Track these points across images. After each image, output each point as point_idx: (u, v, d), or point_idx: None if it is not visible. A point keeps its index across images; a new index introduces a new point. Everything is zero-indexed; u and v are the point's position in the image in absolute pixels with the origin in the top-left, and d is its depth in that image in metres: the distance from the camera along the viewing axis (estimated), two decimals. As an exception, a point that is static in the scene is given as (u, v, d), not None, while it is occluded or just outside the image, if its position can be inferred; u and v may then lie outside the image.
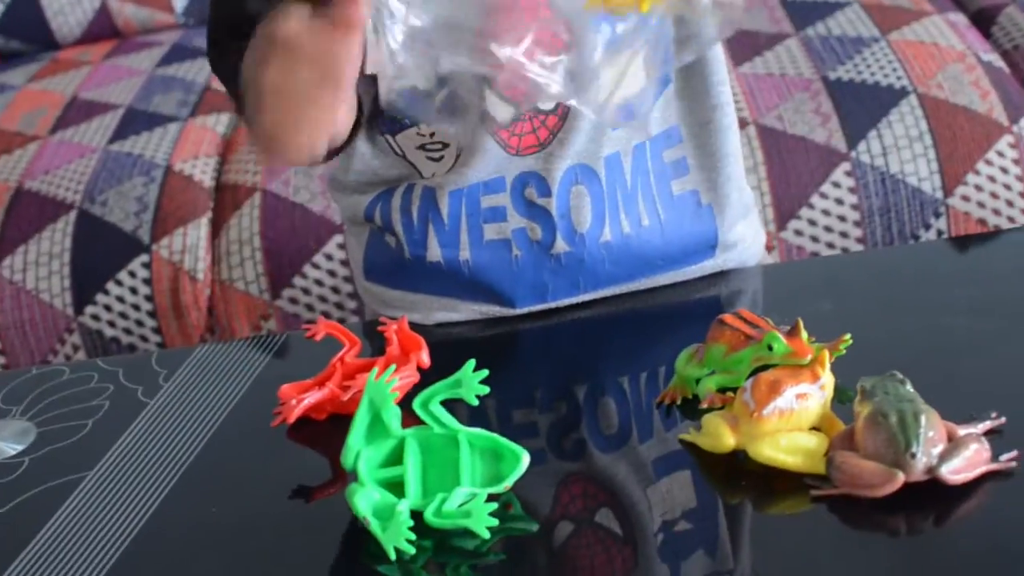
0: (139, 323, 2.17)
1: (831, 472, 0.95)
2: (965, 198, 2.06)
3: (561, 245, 1.30)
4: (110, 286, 2.17)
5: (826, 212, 2.07)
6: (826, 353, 1.03)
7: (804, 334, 1.04)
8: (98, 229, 2.22)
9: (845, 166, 2.08)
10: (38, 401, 1.29)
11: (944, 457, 0.93)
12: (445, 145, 1.29)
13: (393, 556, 0.96)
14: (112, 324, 2.17)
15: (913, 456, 0.93)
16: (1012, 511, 0.93)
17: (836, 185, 2.07)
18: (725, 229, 1.36)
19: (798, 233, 2.07)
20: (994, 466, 0.95)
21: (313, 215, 2.16)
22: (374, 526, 0.97)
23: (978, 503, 0.93)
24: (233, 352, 1.32)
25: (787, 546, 0.95)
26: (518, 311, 1.32)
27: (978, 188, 2.06)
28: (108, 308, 2.17)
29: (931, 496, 0.93)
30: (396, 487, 1.01)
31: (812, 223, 2.07)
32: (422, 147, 1.31)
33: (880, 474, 0.93)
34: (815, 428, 1.01)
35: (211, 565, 1.03)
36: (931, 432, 0.94)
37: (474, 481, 1.01)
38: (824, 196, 2.07)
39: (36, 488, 1.15)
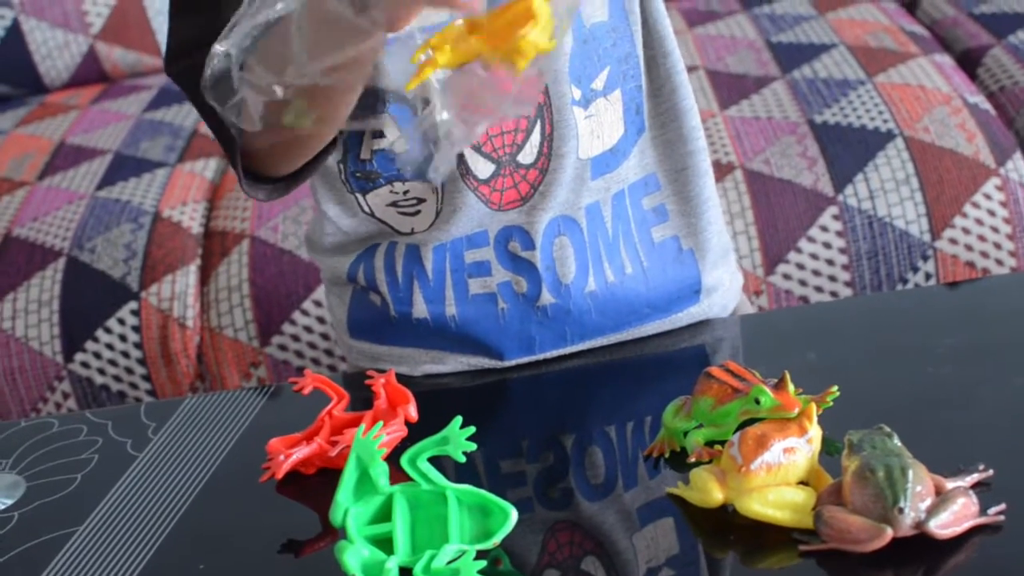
0: (129, 370, 2.17)
1: (819, 527, 0.95)
2: (953, 241, 2.07)
3: (547, 297, 1.30)
4: (99, 333, 2.17)
5: (814, 256, 2.07)
6: (813, 406, 1.03)
7: (791, 387, 1.04)
8: (87, 276, 2.22)
9: (832, 210, 2.08)
10: (27, 454, 1.29)
11: (932, 512, 0.93)
12: (420, 200, 1.29)
13: (382, 614, 0.96)
14: (102, 371, 2.17)
15: (901, 511, 0.93)
16: (1001, 565, 0.93)
17: (824, 229, 2.07)
18: (707, 273, 1.36)
19: (786, 277, 2.07)
20: (982, 520, 0.95)
21: (302, 261, 2.16)
22: (363, 583, 0.97)
23: (967, 557, 0.93)
24: (221, 404, 1.32)
25: (776, 602, 0.95)
26: (506, 363, 1.33)
27: (965, 231, 2.07)
28: (98, 355, 2.17)
29: (920, 551, 0.93)
30: (385, 544, 1.01)
31: (800, 267, 2.07)
32: (394, 204, 1.30)
33: (868, 529, 0.93)
34: (803, 482, 1.01)
35: (200, 622, 1.03)
36: (919, 487, 0.94)
37: (463, 537, 1.01)
38: (812, 240, 2.07)
39: (26, 544, 1.14)
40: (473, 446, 1.01)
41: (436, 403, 1.25)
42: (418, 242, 1.31)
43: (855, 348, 1.25)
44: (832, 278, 2.07)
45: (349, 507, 1.02)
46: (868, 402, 1.13)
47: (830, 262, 2.07)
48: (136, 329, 2.16)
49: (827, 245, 2.07)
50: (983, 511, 0.95)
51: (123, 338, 2.16)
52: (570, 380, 1.29)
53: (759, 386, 1.05)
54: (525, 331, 1.31)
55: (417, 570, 0.98)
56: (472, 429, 1.01)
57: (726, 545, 1.00)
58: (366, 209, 1.31)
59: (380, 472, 1.02)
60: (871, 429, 0.99)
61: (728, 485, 1.00)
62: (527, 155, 1.26)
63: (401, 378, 1.24)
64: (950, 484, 0.97)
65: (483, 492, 1.02)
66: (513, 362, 1.32)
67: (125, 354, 2.16)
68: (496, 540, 1.00)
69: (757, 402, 1.04)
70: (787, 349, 1.27)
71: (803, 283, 2.08)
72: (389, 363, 1.36)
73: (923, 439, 1.01)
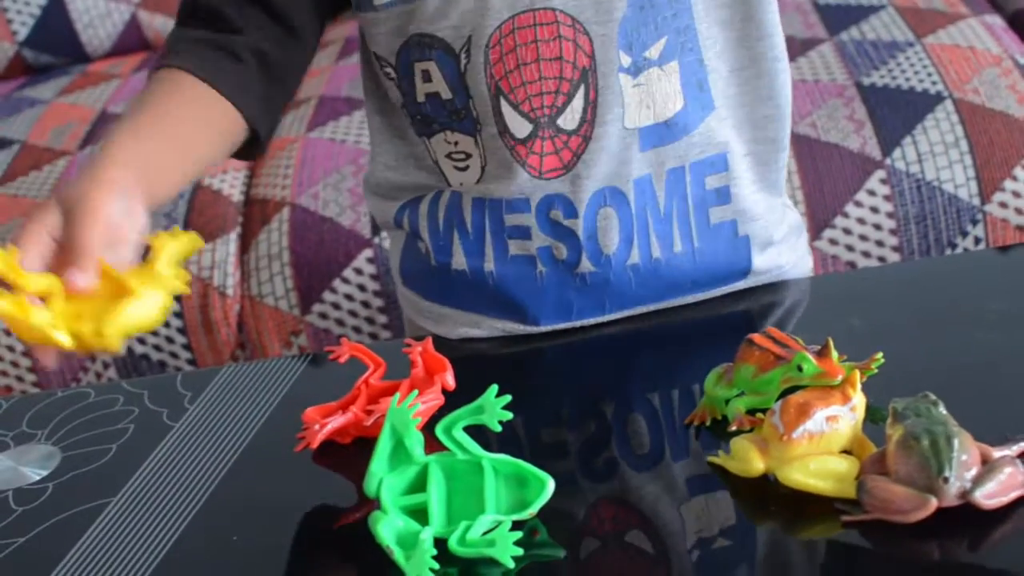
0: (169, 340, 2.16)
1: (862, 497, 0.93)
2: (1003, 204, 2.04)
3: (586, 265, 1.28)
4: (140, 303, 2.16)
5: (861, 221, 2.05)
6: (857, 373, 1.01)
7: (834, 353, 1.03)
8: (128, 245, 2.21)
9: (880, 173, 2.05)
10: (63, 425, 1.28)
11: (978, 481, 0.91)
12: (468, 155, 1.28)
13: (417, 586, 0.95)
14: (142, 341, 2.17)
15: (946, 481, 0.91)
16: (1049, 536, 0.91)
17: (871, 193, 2.05)
18: (759, 257, 1.33)
19: (833, 242, 2.05)
20: (1030, 489, 0.93)
21: (342, 229, 2.15)
22: (398, 555, 0.96)
23: (1014, 528, 0.91)
24: (258, 373, 1.31)
25: (817, 574, 0.93)
26: (541, 328, 1.31)
27: (1016, 194, 2.04)
28: (138, 325, 2.16)
29: (965, 521, 0.91)
30: (420, 514, 1.00)
31: (847, 232, 2.05)
32: (449, 155, 1.30)
33: (912, 499, 0.91)
34: (846, 451, 0.99)
35: (234, 594, 1.02)
36: (964, 455, 0.92)
37: (499, 508, 0.99)
38: (859, 204, 2.05)
39: (59, 515, 1.14)
40: (509, 415, 1.00)
41: (474, 371, 1.24)
42: (461, 192, 1.30)
43: (902, 314, 1.23)
44: (880, 243, 2.05)
45: (383, 477, 1.01)
46: (914, 369, 1.11)
47: (877, 227, 2.05)
48: (176, 298, 2.15)
49: (875, 210, 2.05)
50: (1031, 481, 0.93)
51: (164, 307, 2.16)
52: (608, 347, 1.28)
53: (802, 353, 1.03)
54: (562, 296, 1.29)
55: (452, 541, 0.97)
56: (508, 398, 1.00)
57: (767, 515, 0.98)
58: (432, 156, 1.31)
59: (415, 441, 1.01)
60: (916, 396, 0.97)
61: (769, 454, 0.98)
62: (568, 120, 1.24)
63: (438, 344, 1.22)
64: (997, 453, 0.95)
65: (519, 462, 1.00)
66: (548, 327, 1.31)
67: (165, 323, 2.15)
68: (533, 511, 0.99)
69: (800, 369, 1.02)
70: (832, 314, 1.25)
71: (850, 248, 2.05)
72: (430, 320, 1.36)
73: (970, 407, 0.99)
